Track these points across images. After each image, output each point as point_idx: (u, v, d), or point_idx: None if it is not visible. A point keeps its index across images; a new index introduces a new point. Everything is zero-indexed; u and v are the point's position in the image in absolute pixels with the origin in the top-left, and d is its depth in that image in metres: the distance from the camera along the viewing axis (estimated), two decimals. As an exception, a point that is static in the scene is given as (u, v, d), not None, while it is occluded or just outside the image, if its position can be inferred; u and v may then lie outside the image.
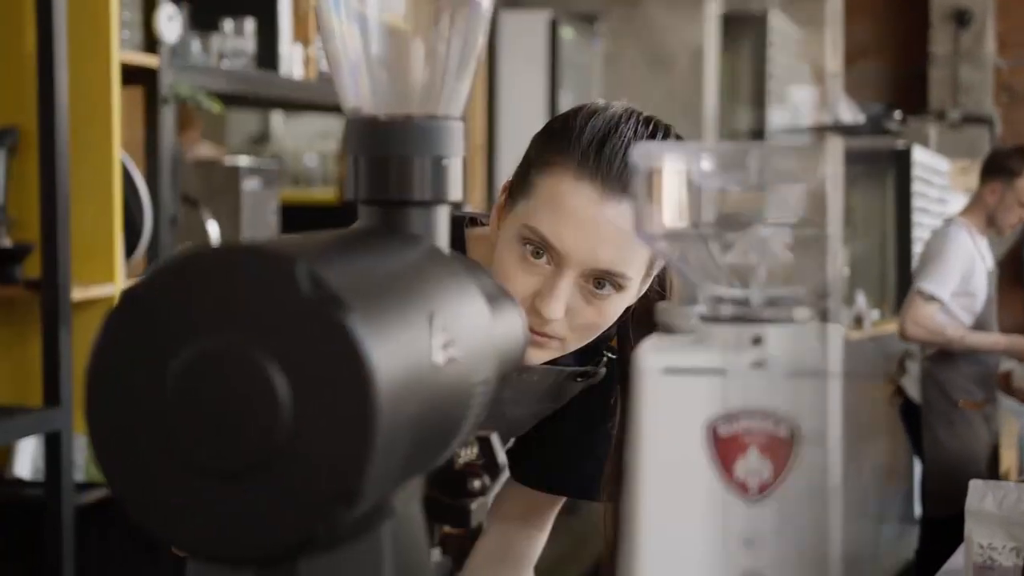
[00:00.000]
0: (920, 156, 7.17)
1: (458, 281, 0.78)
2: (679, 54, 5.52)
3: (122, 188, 2.54)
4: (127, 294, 0.64)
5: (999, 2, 9.45)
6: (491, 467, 0.89)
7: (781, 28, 7.49)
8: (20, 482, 2.74)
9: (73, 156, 2.44)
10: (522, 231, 1.28)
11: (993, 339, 4.50)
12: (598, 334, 1.33)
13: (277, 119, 5.70)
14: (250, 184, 3.12)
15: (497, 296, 0.88)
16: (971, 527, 1.96)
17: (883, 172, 6.96)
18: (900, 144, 6.93)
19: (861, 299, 6.40)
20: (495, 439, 0.88)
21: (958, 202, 8.43)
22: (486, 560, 1.51)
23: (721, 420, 0.69)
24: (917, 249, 7.17)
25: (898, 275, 7.16)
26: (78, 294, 2.44)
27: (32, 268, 2.42)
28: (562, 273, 1.26)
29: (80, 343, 2.43)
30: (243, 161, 3.25)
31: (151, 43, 2.71)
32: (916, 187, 7.05)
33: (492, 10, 0.87)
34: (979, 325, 4.45)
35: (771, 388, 0.69)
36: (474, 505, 0.87)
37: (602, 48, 5.56)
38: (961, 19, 9.22)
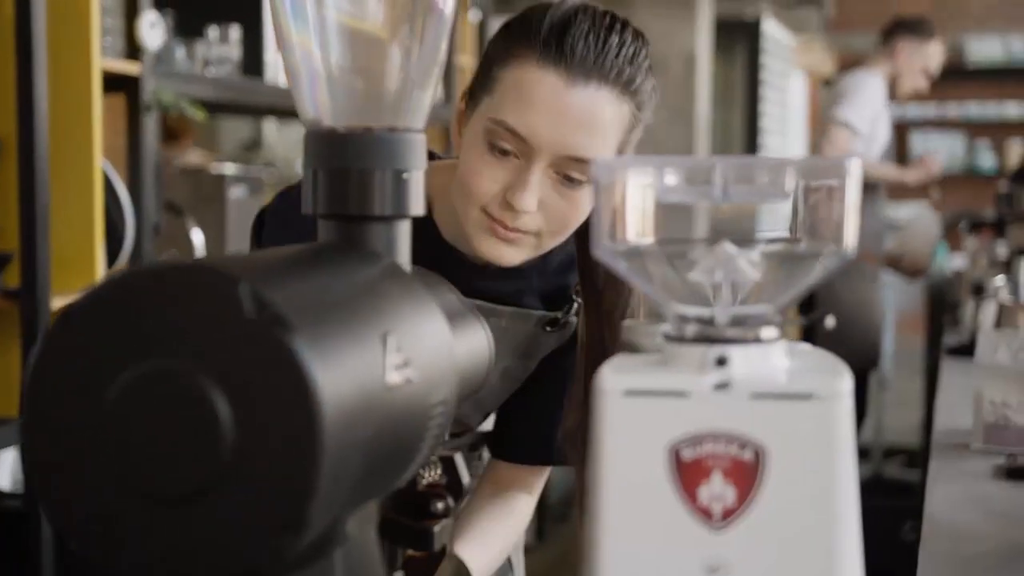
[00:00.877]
0: (769, 28, 7.16)
1: (416, 299, 0.75)
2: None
3: (104, 196, 2.52)
4: (66, 312, 0.62)
5: None
6: (455, 487, 0.87)
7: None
8: (0, 494, 2.72)
9: (53, 164, 2.41)
10: (487, 126, 1.27)
11: (896, 172, 4.56)
12: (572, 230, 1.31)
13: (270, 126, 5.68)
14: (236, 192, 3.10)
15: (461, 313, 0.86)
16: (982, 382, 1.84)
17: (731, 42, 6.95)
18: (750, 15, 6.90)
19: None
20: (459, 459, 0.86)
21: (799, 79, 8.50)
22: (478, 516, 1.48)
23: (684, 444, 0.67)
24: (765, 123, 7.19)
25: (745, 150, 7.15)
26: (58, 303, 2.41)
27: (11, 277, 2.39)
28: (532, 164, 1.25)
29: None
30: (229, 169, 3.23)
31: (134, 50, 2.68)
32: (763, 59, 7.05)
33: (454, 18, 0.84)
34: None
35: (736, 411, 0.67)
36: (437, 528, 0.85)
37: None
38: None
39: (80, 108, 2.46)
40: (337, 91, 0.80)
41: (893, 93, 4.57)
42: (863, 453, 5.49)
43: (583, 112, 1.24)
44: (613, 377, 0.68)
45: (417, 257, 0.81)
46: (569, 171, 1.26)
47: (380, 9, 0.82)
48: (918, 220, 4.80)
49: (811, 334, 4.26)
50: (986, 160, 9.89)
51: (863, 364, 4.60)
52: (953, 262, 8.31)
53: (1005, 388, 1.89)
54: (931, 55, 4.52)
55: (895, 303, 6.18)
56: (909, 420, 5.98)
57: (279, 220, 1.40)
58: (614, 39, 1.26)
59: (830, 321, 3.71)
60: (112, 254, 2.56)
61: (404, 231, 0.81)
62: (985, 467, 1.77)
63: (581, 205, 1.28)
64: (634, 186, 0.70)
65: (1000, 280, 3.06)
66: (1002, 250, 4.12)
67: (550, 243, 1.31)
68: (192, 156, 4.46)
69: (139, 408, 0.61)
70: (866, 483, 5.34)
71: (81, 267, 2.45)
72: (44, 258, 2.35)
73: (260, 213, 1.45)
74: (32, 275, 2.33)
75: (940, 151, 9.92)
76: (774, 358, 0.69)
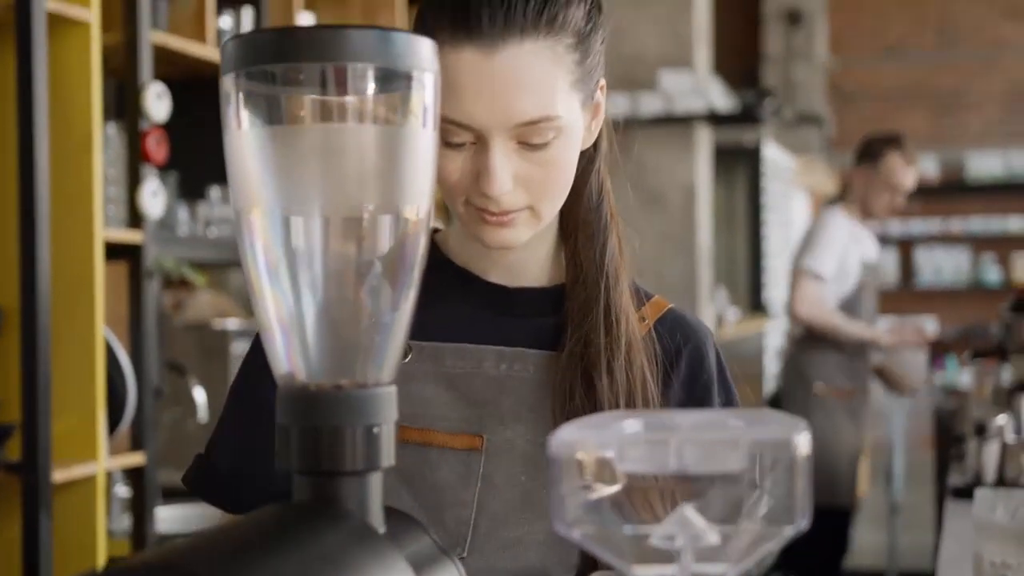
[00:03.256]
0: (769, 152, 7.26)
1: (384, 562, 0.77)
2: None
3: (105, 364, 2.54)
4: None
5: (831, 2, 9.71)
6: None
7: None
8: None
9: (55, 334, 2.44)
10: None
11: (871, 332, 4.63)
12: (567, 189, 1.23)
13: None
14: (239, 347, 3.13)
15: (433, 557, 0.87)
16: (980, 543, 1.80)
17: (732, 167, 7.03)
18: (749, 141, 6.99)
19: (722, 296, 6.30)
20: None
21: (801, 199, 8.59)
22: None
23: None
24: (768, 247, 7.25)
25: (750, 273, 7.18)
26: (60, 475, 2.42)
27: (13, 450, 2.41)
28: (489, 145, 1.18)
29: (61, 527, 2.41)
30: (232, 324, 3.26)
31: (136, 218, 2.72)
32: (764, 183, 7.13)
33: (423, 266, 0.87)
34: (844, 311, 4.55)
35: None
36: None
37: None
38: (793, 19, 9.42)
39: (82, 278, 2.50)
40: (309, 348, 0.83)
41: (869, 213, 4.68)
42: (877, 579, 5.44)
43: (513, 76, 1.16)
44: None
45: (433, 290, 0.80)
46: (528, 138, 1.18)
47: (351, 262, 0.84)
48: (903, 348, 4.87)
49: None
50: (991, 274, 9.95)
51: (838, 500, 4.54)
52: (961, 377, 8.27)
53: (1004, 548, 1.87)
54: (889, 172, 4.58)
55: (904, 423, 6.16)
56: (924, 543, 5.92)
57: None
58: None
59: None
60: (114, 421, 2.58)
61: (376, 483, 0.82)
62: (986, 635, 1.76)
63: (559, 161, 1.20)
64: (591, 457, 0.72)
65: (1002, 419, 3.05)
66: (1007, 375, 4.11)
67: (548, 210, 1.23)
68: (203, 298, 4.50)
69: None
70: (883, 611, 5.28)
71: (83, 438, 2.46)
72: (45, 431, 2.36)
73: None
74: (33, 448, 2.35)
75: (945, 267, 9.98)
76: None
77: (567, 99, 1.20)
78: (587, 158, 1.29)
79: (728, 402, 1.35)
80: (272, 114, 0.82)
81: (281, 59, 0.79)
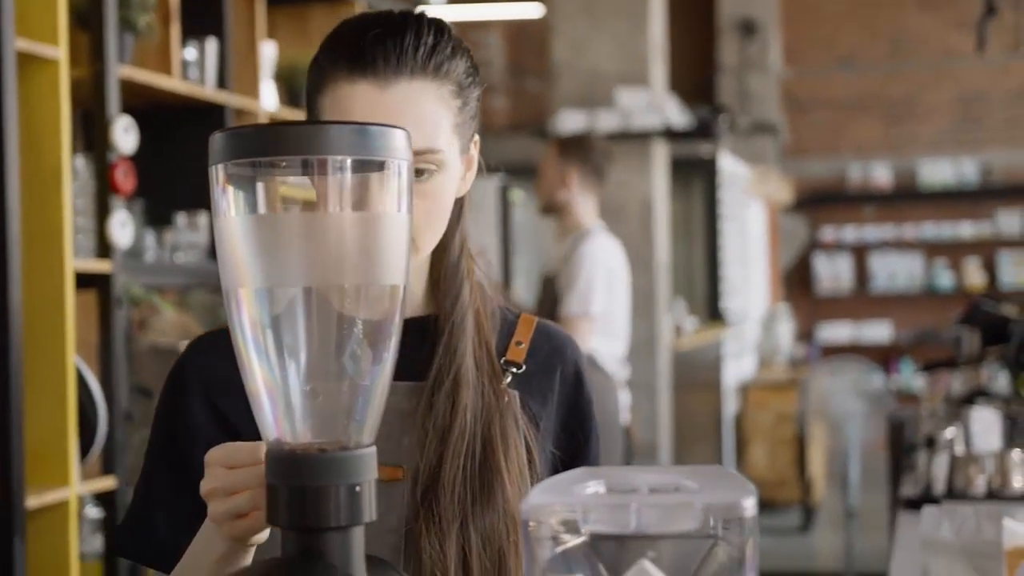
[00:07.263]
0: (725, 164, 7.40)
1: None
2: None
3: (76, 391, 2.59)
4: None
5: (784, 13, 9.89)
6: None
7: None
8: None
9: (28, 363, 2.49)
10: None
11: None
12: (442, 227, 1.31)
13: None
14: (205, 369, 3.16)
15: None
16: (927, 559, 1.85)
17: (689, 179, 7.16)
18: (705, 153, 7.09)
19: (680, 308, 6.39)
20: None
21: (757, 208, 8.75)
22: None
23: None
24: (725, 255, 7.38)
25: (707, 282, 7.33)
26: (33, 501, 2.47)
27: (-14, 478, 2.45)
28: None
29: (35, 551, 2.46)
30: (197, 346, 3.30)
31: (105, 248, 2.77)
32: (720, 194, 7.28)
33: (400, 332, 0.94)
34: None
35: None
36: None
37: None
38: (747, 30, 9.57)
39: (53, 308, 2.55)
40: (295, 415, 0.90)
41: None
42: (835, 582, 5.54)
43: (402, 108, 1.25)
44: None
45: None
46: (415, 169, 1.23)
47: (332, 333, 0.91)
48: None
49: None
50: (944, 279, 10.12)
51: None
52: (915, 382, 8.36)
53: (950, 565, 1.94)
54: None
55: (859, 429, 6.26)
56: (880, 546, 6.02)
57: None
58: (410, 34, 1.27)
59: None
60: (85, 446, 2.63)
61: (358, 537, 0.89)
62: (933, 651, 1.83)
63: (438, 195, 1.28)
64: (558, 519, 0.79)
65: (950, 432, 3.13)
66: (958, 384, 4.20)
67: (427, 242, 1.30)
68: (167, 316, 4.53)
69: None
70: (840, 617, 5.38)
71: (55, 464, 2.52)
72: (19, 458, 2.41)
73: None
74: (7, 475, 2.39)
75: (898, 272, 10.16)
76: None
77: (449, 138, 1.29)
78: (455, 215, 1.36)
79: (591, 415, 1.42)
80: (256, 202, 0.89)
81: (264, 152, 0.86)
